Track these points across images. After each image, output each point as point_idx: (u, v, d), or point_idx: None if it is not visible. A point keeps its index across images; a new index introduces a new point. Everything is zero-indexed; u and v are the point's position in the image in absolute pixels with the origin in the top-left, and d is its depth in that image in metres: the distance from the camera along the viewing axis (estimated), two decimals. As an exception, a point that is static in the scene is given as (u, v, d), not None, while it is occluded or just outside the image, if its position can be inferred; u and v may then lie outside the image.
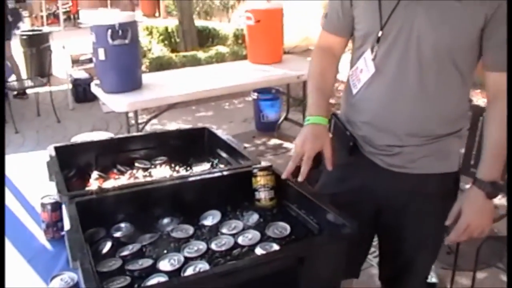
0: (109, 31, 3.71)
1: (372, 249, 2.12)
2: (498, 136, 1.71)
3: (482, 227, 1.72)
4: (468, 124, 1.88)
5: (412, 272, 1.96)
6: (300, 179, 1.62)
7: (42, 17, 14.80)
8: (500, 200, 3.40)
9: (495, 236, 3.36)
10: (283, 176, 1.68)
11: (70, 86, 7.57)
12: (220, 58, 7.88)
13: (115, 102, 3.77)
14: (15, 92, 7.66)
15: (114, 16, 3.85)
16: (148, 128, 5.09)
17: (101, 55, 3.80)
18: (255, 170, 1.73)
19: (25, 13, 16.57)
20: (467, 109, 1.87)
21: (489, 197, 1.70)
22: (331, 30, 1.93)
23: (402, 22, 1.67)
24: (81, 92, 7.50)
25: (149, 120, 4.52)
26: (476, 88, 7.43)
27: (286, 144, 5.61)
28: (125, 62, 3.85)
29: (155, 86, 4.16)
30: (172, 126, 6.41)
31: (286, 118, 5.91)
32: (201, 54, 8.03)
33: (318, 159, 1.69)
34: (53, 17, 16.48)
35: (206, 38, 9.62)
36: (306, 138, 1.70)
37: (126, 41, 3.77)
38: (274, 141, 5.76)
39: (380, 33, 1.70)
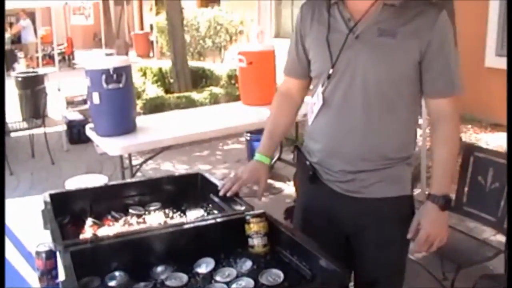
0: (104, 75, 3.76)
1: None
2: (443, 155, 1.93)
3: (440, 236, 1.90)
4: (414, 150, 2.05)
5: None
6: (229, 194, 1.99)
7: (37, 58, 14.93)
8: (495, 236, 3.44)
9: (491, 274, 3.37)
10: (220, 193, 2.00)
11: (65, 127, 7.61)
12: (214, 99, 7.96)
13: (109, 146, 3.80)
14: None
15: (109, 60, 3.91)
16: (144, 169, 5.12)
17: (96, 99, 3.84)
18: (248, 217, 1.76)
19: (20, 54, 16.74)
20: (414, 136, 2.05)
21: (442, 209, 1.90)
22: (289, 74, 2.17)
23: (348, 59, 1.87)
24: (76, 134, 7.54)
25: (144, 162, 4.55)
26: (467, 123, 7.52)
27: (280, 185, 5.63)
28: (119, 106, 3.88)
29: (149, 129, 4.19)
30: (167, 166, 6.44)
31: (279, 159, 5.93)
32: (195, 95, 8.11)
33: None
34: (49, 58, 16.65)
35: (200, 78, 9.74)
36: (246, 169, 2.09)
37: (121, 85, 3.82)
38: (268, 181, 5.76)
39: (330, 71, 1.90)
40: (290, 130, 2.32)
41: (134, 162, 4.77)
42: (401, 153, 1.96)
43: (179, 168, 6.45)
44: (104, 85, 3.79)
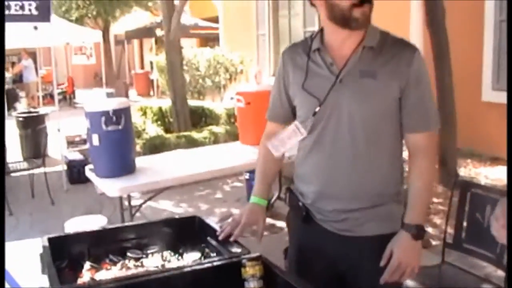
0: (103, 117, 3.81)
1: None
2: (418, 187, 2.00)
3: (412, 265, 1.95)
4: (402, 185, 2.12)
5: None
6: (232, 238, 2.01)
7: (38, 97, 15.05)
8: (497, 271, 3.42)
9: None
10: (220, 238, 2.03)
11: (65, 167, 7.63)
12: (214, 138, 8.01)
13: (108, 187, 3.83)
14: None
15: (108, 102, 3.96)
16: (143, 208, 5.13)
17: (95, 141, 3.88)
18: (244, 261, 1.78)
19: (21, 94, 16.90)
20: (401, 171, 2.11)
21: (415, 238, 1.96)
22: (273, 119, 2.26)
23: (334, 103, 1.96)
24: (76, 173, 7.55)
25: (143, 203, 4.56)
26: (466, 157, 7.55)
27: (280, 223, 5.62)
28: (118, 147, 3.92)
29: (149, 170, 4.22)
30: (167, 206, 6.44)
31: (279, 197, 5.95)
32: (195, 135, 8.16)
33: None
34: (50, 97, 16.78)
35: (199, 117, 9.81)
36: (244, 212, 2.14)
37: (120, 127, 3.86)
38: (267, 220, 5.76)
39: (317, 115, 1.98)
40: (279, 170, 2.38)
41: (135, 202, 4.81)
42: (389, 188, 2.04)
43: (179, 207, 6.46)
44: (104, 126, 3.84)
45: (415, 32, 5.14)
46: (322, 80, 1.98)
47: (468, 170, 7.35)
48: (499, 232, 1.36)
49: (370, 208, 2.00)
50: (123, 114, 3.90)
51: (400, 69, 1.93)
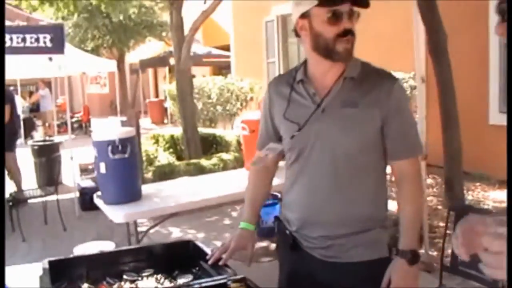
0: (110, 146, 3.95)
1: None
2: (409, 213, 2.06)
3: None
4: (387, 211, 2.17)
5: None
6: (221, 263, 2.11)
7: (54, 126, 15.33)
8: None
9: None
10: (209, 262, 2.13)
11: (77, 194, 7.78)
12: (223, 165, 8.13)
13: (114, 213, 3.95)
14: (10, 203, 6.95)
15: (115, 131, 4.11)
16: (152, 234, 5.23)
17: (102, 169, 4.02)
18: (229, 282, 1.88)
19: (38, 122, 17.22)
20: (385, 197, 2.17)
21: (411, 264, 2.01)
22: (261, 149, 2.30)
23: (317, 132, 2.03)
24: (88, 201, 7.64)
25: (149, 229, 4.67)
26: (475, 181, 7.56)
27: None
28: (124, 175, 4.06)
29: (154, 196, 4.35)
30: (175, 232, 6.54)
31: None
32: (204, 162, 8.28)
33: None
34: (65, 126, 17.04)
35: (210, 145, 9.93)
36: (233, 237, 2.24)
37: (126, 155, 4.00)
38: (274, 246, 5.85)
39: (301, 145, 2.07)
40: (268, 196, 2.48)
41: (144, 228, 4.93)
42: (374, 215, 2.10)
43: (188, 233, 6.55)
44: (110, 155, 3.98)
45: (418, 59, 5.22)
46: (304, 109, 2.07)
47: (476, 193, 7.37)
48: (458, 250, 1.42)
49: (355, 234, 2.06)
50: (129, 143, 4.04)
51: (381, 98, 2.01)
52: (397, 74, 7.77)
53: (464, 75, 6.63)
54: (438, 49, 6.09)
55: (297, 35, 2.12)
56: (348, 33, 1.98)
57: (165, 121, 20.31)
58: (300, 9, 2.05)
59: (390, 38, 9.30)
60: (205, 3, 6.40)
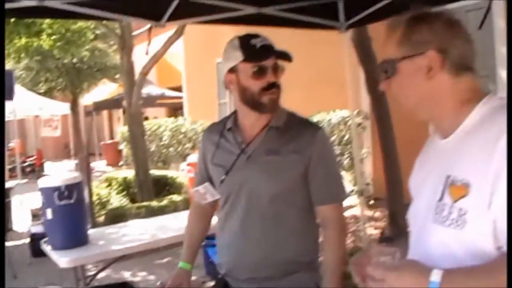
0: (56, 192, 4.03)
1: None
2: (331, 258, 2.15)
3: None
4: (317, 254, 2.29)
5: None
6: None
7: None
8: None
9: None
10: None
11: (29, 240, 7.71)
12: (173, 207, 8.20)
13: (60, 258, 4.01)
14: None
15: (60, 177, 4.19)
16: (101, 278, 5.25)
17: (49, 215, 4.09)
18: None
19: (-11, 168, 16.84)
20: (313, 241, 2.27)
21: None
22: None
23: (243, 178, 2.17)
24: (39, 246, 7.57)
25: (96, 273, 4.72)
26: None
27: None
28: (71, 220, 4.12)
29: (101, 241, 4.41)
30: (126, 275, 6.55)
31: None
32: (155, 204, 8.35)
33: None
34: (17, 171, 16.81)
35: (163, 186, 10.01)
36: (171, 277, 2.41)
37: (72, 201, 4.08)
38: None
39: (223, 177, 2.19)
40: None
41: (93, 273, 4.96)
42: (301, 257, 2.20)
43: (137, 276, 6.57)
44: (57, 201, 4.05)
45: (354, 97, 5.41)
46: (230, 155, 2.22)
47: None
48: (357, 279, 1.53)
49: (283, 277, 2.17)
50: (75, 188, 4.12)
51: (303, 146, 2.14)
52: (342, 113, 8.04)
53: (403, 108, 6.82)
54: (374, 84, 6.26)
55: (227, 87, 2.26)
56: (273, 87, 2.13)
57: (120, 163, 20.18)
58: (228, 64, 2.19)
59: (331, 79, 9.57)
60: (147, 54, 6.52)
